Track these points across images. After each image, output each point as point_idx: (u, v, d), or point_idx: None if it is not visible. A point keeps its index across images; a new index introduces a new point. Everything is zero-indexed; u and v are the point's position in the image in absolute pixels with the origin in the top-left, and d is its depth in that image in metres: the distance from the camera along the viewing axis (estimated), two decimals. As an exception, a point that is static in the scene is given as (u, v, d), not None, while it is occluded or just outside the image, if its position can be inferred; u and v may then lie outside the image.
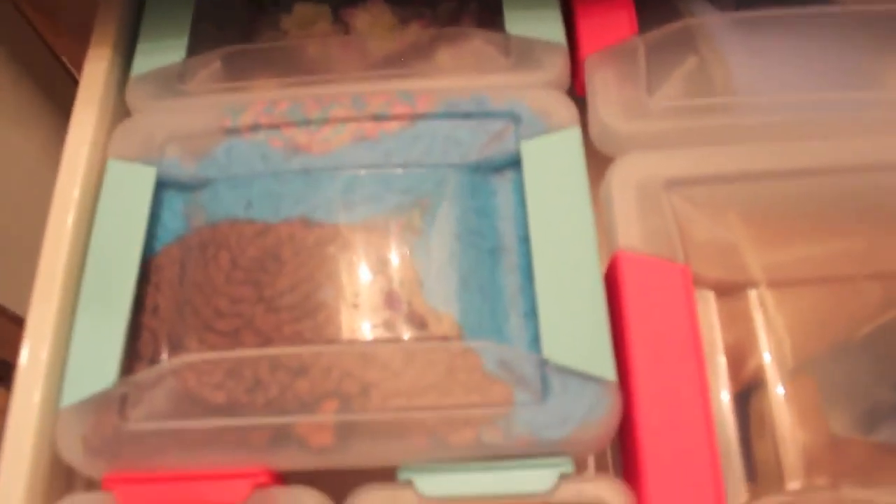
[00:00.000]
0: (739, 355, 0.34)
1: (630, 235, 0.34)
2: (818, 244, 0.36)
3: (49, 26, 0.47)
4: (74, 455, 0.31)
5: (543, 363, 0.31)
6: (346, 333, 0.32)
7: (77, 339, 0.32)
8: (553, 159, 0.35)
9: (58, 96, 0.48)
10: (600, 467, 0.36)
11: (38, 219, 0.36)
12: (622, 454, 0.34)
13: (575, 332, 0.32)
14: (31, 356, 0.32)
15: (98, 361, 0.32)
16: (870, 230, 0.36)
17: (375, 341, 0.32)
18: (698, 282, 0.35)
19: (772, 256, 0.36)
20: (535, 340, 0.32)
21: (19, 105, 0.48)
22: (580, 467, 0.33)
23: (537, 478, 0.31)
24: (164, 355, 0.32)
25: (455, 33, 0.40)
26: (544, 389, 0.31)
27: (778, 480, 0.32)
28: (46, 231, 0.35)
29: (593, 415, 0.31)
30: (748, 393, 0.33)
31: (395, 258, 0.33)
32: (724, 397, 0.33)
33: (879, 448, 0.33)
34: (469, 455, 0.31)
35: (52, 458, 0.32)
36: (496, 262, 0.34)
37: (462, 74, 0.38)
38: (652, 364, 0.32)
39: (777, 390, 0.33)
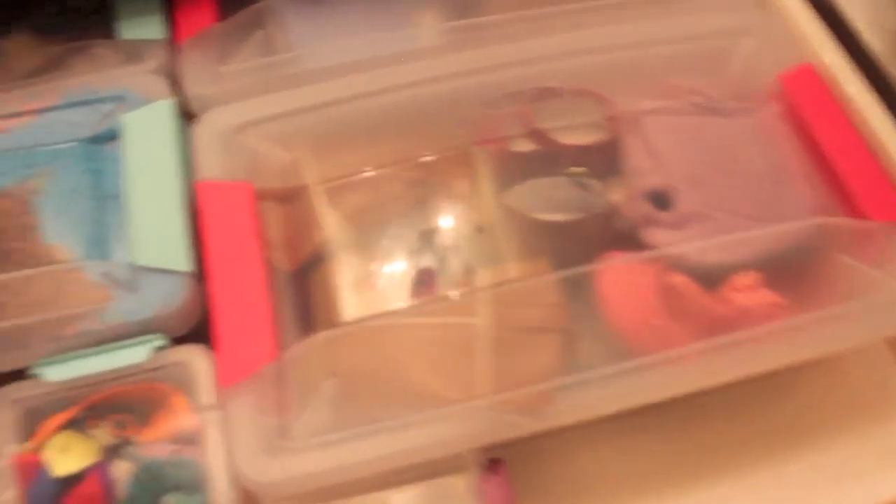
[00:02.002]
0: (300, 242, 0.44)
1: (207, 168, 0.45)
2: (368, 148, 0.47)
3: None
4: None
5: (133, 267, 0.41)
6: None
7: None
8: (148, 123, 0.46)
9: None
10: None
11: None
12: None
13: (158, 239, 0.42)
14: None
15: None
16: (409, 131, 0.47)
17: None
18: (269, 194, 0.45)
19: (330, 165, 0.46)
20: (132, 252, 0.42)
21: None
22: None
23: (137, 352, 0.40)
24: None
25: (83, 45, 0.50)
26: (134, 286, 0.41)
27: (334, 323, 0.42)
28: None
29: (173, 298, 0.41)
30: (308, 267, 0.44)
31: (19, 214, 0.43)
32: (291, 272, 0.44)
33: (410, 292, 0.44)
34: (82, 344, 0.40)
35: None
36: (108, 206, 0.44)
37: (85, 74, 0.48)
38: (223, 257, 0.42)
39: (333, 262, 0.44)
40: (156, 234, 0.42)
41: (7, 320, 0.40)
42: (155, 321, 0.41)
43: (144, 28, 0.50)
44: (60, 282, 0.41)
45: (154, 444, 0.40)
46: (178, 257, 0.42)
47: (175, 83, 0.48)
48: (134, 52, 0.49)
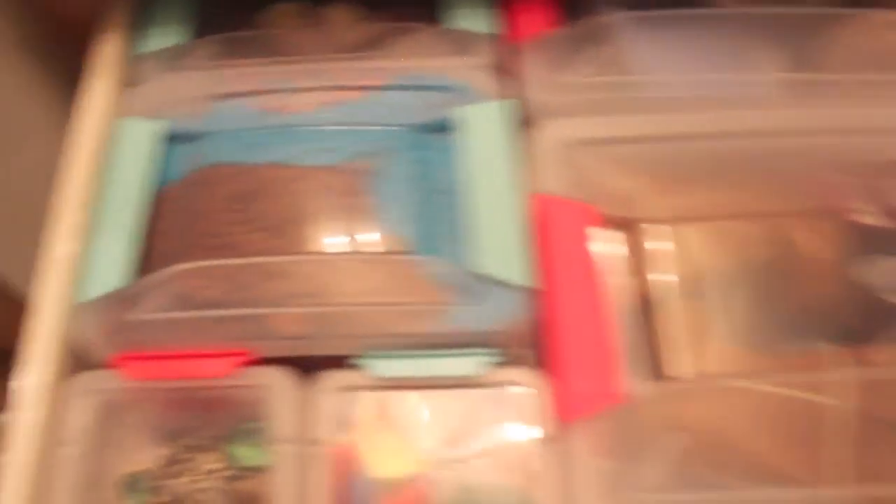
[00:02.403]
0: (636, 277, 0.42)
1: (547, 181, 0.42)
2: (707, 192, 0.44)
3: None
4: (91, 340, 0.37)
5: (474, 273, 0.39)
6: (311, 248, 0.39)
7: (95, 251, 0.39)
8: (485, 121, 0.43)
9: (59, 65, 0.53)
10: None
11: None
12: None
13: (499, 249, 0.39)
14: (56, 265, 0.40)
15: (112, 269, 0.39)
16: (748, 181, 0.44)
17: (335, 254, 0.39)
18: (606, 220, 0.43)
19: (669, 201, 0.43)
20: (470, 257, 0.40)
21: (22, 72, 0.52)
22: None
23: (468, 364, 0.38)
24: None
25: (408, 27, 0.48)
26: (473, 294, 0.38)
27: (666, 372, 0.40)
28: (68, 173, 0.42)
29: (514, 314, 0.38)
30: (650, 306, 0.41)
31: (352, 193, 0.41)
32: (627, 309, 0.41)
33: (747, 354, 0.41)
34: (409, 344, 0.38)
35: (71, 344, 0.38)
36: (436, 200, 0.42)
37: (411, 57, 0.46)
38: (569, 281, 0.39)
39: (671, 306, 0.41)
40: (498, 243, 0.40)
41: (338, 305, 0.38)
42: (492, 335, 0.38)
43: (473, 20, 0.48)
44: (396, 273, 0.39)
45: (477, 464, 0.37)
46: (522, 272, 0.39)
47: (506, 82, 0.46)
48: (462, 43, 0.47)
